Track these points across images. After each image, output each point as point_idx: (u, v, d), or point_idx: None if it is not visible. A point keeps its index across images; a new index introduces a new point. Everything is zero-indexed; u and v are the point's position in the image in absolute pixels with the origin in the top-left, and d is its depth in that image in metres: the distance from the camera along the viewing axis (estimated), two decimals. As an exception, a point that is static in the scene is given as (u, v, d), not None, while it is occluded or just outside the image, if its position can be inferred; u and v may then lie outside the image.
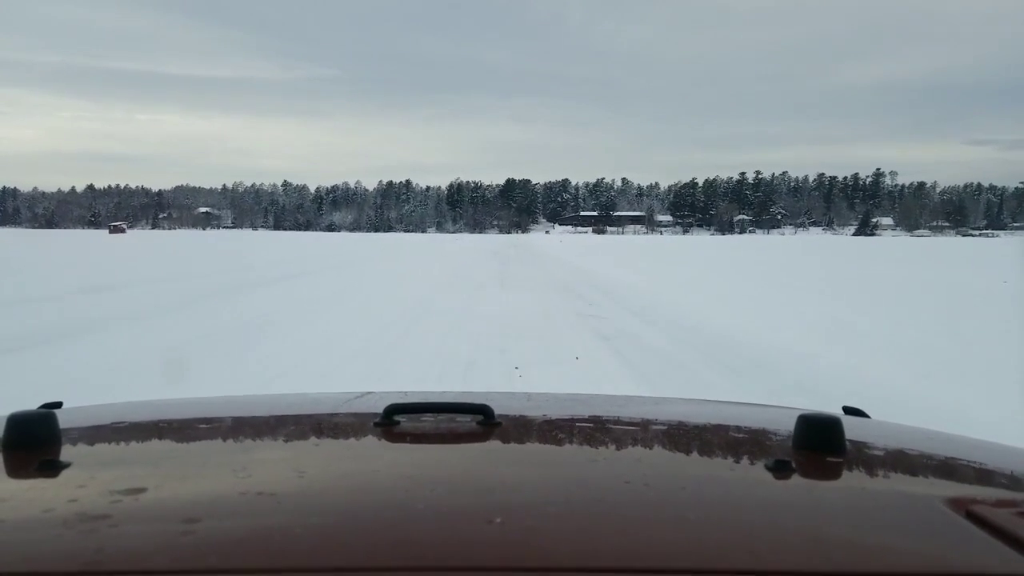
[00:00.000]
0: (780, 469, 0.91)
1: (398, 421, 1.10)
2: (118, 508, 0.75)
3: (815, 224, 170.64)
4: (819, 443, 0.98)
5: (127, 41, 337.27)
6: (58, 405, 1.29)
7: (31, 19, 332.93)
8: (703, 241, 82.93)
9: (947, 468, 1.07)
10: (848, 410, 1.40)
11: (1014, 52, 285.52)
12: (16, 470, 0.90)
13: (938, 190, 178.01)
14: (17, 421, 0.95)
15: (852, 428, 1.04)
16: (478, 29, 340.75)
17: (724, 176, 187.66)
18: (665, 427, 1.30)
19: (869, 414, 1.43)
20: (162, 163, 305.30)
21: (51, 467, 0.89)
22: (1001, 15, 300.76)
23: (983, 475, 1.02)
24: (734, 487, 0.91)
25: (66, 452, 0.96)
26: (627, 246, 54.22)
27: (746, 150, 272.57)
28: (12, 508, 0.78)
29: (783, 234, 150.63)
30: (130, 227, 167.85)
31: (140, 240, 63.48)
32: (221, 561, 0.64)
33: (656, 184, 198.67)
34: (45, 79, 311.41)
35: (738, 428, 1.32)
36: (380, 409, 1.12)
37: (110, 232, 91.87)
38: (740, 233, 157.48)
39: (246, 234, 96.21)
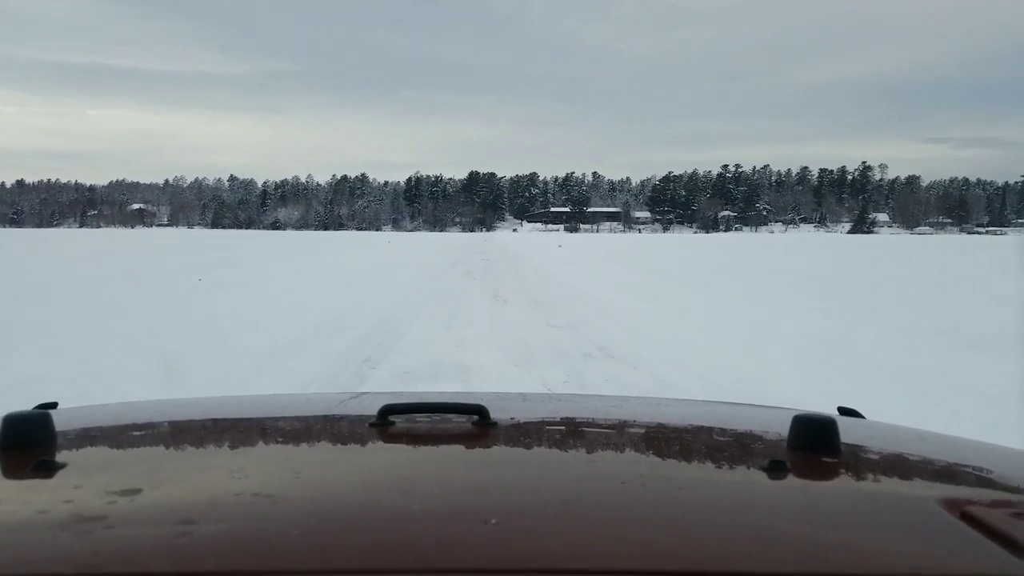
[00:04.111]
0: (775, 470, 0.91)
1: (393, 422, 1.10)
2: (114, 509, 0.75)
3: (805, 221, 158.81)
4: (814, 444, 0.98)
5: (78, 33, 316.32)
6: (53, 406, 1.28)
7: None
8: (713, 242, 68.05)
9: (942, 469, 1.07)
10: (843, 411, 1.39)
11: (967, 51, 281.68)
12: (11, 471, 0.90)
13: (923, 185, 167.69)
14: (12, 422, 0.94)
15: (847, 429, 1.05)
16: (438, 25, 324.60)
17: (701, 172, 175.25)
18: (661, 428, 1.30)
19: (864, 414, 1.42)
20: (111, 161, 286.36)
21: (46, 468, 0.88)
22: (956, 13, 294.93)
23: (978, 476, 1.02)
24: (730, 488, 0.91)
25: (61, 453, 0.95)
26: (671, 258, 31.25)
27: (706, 148, 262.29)
28: (7, 509, 0.78)
29: (772, 232, 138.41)
30: (56, 225, 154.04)
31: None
32: (217, 562, 0.63)
33: (627, 179, 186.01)
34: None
35: (733, 429, 1.32)
36: (375, 410, 1.12)
37: None
38: (725, 231, 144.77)
39: (129, 236, 72.12)
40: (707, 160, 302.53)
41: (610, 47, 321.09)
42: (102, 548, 0.66)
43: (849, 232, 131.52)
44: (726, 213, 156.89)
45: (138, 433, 1.19)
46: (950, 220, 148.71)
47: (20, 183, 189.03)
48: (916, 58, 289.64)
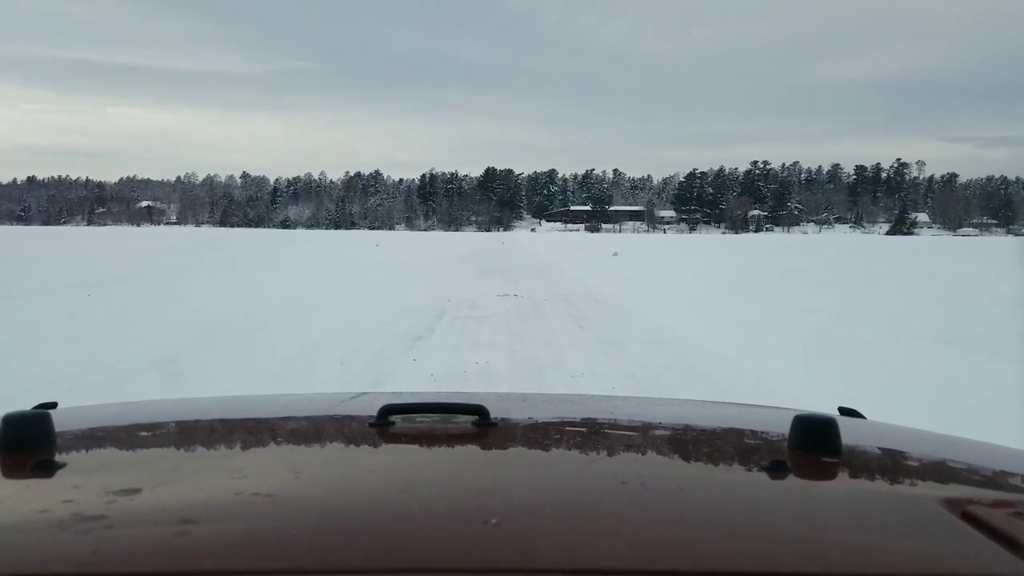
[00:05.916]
0: (776, 470, 0.91)
1: (393, 422, 1.10)
2: (113, 509, 0.75)
3: (840, 220, 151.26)
4: (814, 444, 0.98)
5: (99, 33, 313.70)
6: (53, 405, 1.28)
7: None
8: (784, 245, 60.96)
9: (943, 469, 1.07)
10: (844, 411, 1.39)
11: (994, 50, 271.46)
12: (11, 471, 0.90)
13: (958, 183, 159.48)
14: (12, 421, 0.94)
15: (847, 429, 1.05)
16: (453, 23, 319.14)
17: (728, 169, 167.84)
18: (661, 428, 1.30)
19: (865, 415, 1.41)
20: (124, 158, 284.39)
21: (46, 468, 0.88)
22: (985, 14, 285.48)
23: (979, 476, 1.02)
24: (730, 488, 0.91)
25: (61, 453, 0.96)
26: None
27: (728, 146, 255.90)
28: (7, 509, 0.78)
29: (805, 232, 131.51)
30: (63, 222, 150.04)
31: None
32: (216, 562, 0.64)
33: (649, 177, 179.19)
34: (9, 69, 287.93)
35: (734, 429, 1.31)
36: (375, 410, 1.12)
37: None
38: (756, 231, 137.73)
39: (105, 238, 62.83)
40: (730, 158, 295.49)
41: (627, 45, 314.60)
42: (101, 548, 0.66)
43: (888, 233, 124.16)
44: (756, 212, 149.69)
45: (138, 433, 1.19)
46: (995, 221, 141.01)
47: (31, 179, 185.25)
48: (939, 55, 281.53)
